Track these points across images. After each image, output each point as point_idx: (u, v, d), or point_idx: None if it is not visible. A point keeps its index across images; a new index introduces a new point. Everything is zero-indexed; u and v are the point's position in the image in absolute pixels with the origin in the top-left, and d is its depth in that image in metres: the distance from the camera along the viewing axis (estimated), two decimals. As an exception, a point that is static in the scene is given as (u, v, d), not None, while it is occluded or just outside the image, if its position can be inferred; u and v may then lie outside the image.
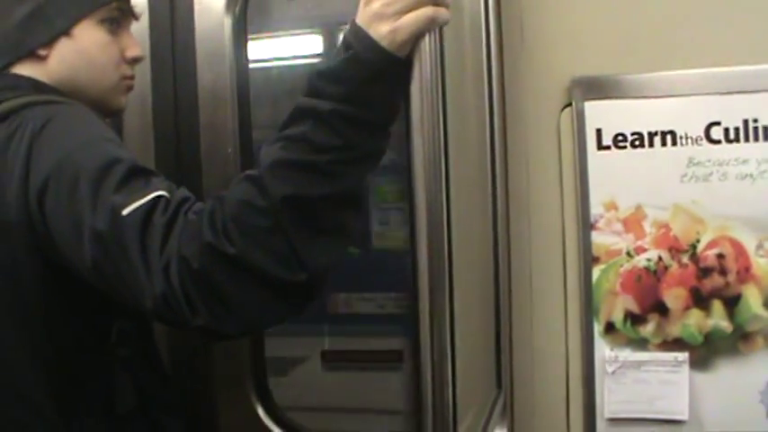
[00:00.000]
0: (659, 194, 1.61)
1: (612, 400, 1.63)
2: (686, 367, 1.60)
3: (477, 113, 1.59)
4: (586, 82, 1.63)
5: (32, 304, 1.21)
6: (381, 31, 1.01)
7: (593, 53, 1.64)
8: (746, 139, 1.58)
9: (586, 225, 1.64)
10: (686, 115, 1.60)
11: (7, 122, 1.22)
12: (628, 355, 1.62)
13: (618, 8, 1.63)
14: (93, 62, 1.34)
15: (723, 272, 1.58)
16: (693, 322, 1.60)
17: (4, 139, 1.20)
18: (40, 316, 1.21)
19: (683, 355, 1.60)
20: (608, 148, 1.63)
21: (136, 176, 1.10)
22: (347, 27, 1.05)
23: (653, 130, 1.61)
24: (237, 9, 1.77)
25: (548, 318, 1.68)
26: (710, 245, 1.59)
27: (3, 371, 1.21)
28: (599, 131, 1.63)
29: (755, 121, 1.57)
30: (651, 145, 1.61)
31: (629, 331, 1.63)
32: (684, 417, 1.60)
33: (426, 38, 1.02)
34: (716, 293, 1.59)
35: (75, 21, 1.32)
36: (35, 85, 1.30)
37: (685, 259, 1.60)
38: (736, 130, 1.58)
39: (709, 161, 1.59)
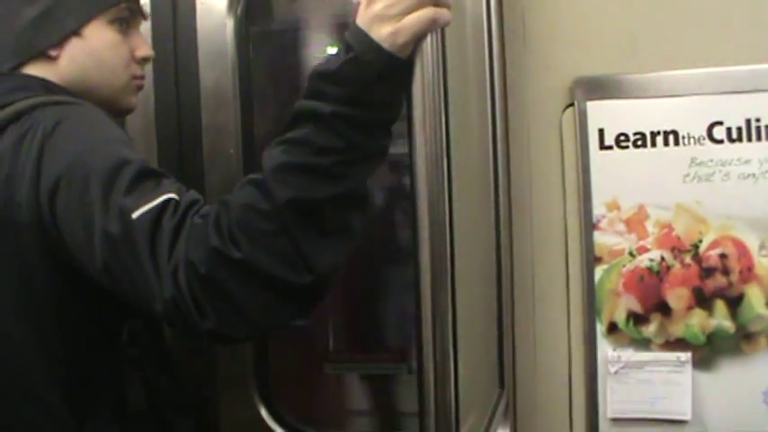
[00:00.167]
0: (662, 194, 1.61)
1: (615, 400, 1.63)
2: (689, 367, 1.59)
3: (480, 114, 1.59)
4: (589, 82, 1.63)
5: (44, 305, 1.21)
6: (383, 33, 1.01)
7: (596, 53, 1.64)
8: (749, 139, 1.57)
9: (589, 225, 1.63)
10: (689, 115, 1.60)
11: (19, 123, 1.22)
12: (630, 355, 1.62)
13: (620, 8, 1.63)
14: (104, 62, 1.35)
15: (726, 272, 1.58)
16: (696, 322, 1.59)
17: (16, 141, 1.20)
18: (52, 317, 1.21)
19: (686, 356, 1.60)
20: (610, 148, 1.63)
21: (146, 178, 1.11)
22: (348, 29, 1.05)
23: (655, 129, 1.61)
24: (239, 9, 1.77)
25: (550, 318, 1.68)
26: (713, 245, 1.59)
27: (15, 371, 1.22)
28: (601, 131, 1.63)
29: (758, 120, 1.57)
30: (654, 145, 1.61)
31: (631, 331, 1.62)
32: (687, 417, 1.59)
33: (428, 38, 1.02)
34: (719, 293, 1.59)
35: (86, 21, 1.33)
36: (46, 86, 1.30)
37: (688, 259, 1.60)
38: (739, 129, 1.58)
39: (711, 161, 1.59)
